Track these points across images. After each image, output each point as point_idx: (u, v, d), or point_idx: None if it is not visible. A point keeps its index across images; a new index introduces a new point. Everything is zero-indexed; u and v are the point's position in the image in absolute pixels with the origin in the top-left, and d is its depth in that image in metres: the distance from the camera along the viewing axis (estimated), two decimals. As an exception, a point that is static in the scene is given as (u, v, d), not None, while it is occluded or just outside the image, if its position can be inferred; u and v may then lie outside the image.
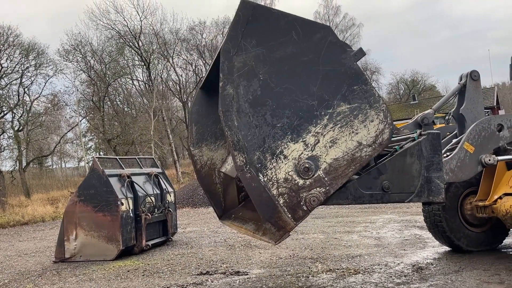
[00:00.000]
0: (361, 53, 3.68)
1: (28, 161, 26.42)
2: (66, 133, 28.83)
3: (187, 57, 34.66)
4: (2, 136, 24.54)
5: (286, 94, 3.34)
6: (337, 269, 5.43)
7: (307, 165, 3.32)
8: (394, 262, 5.59)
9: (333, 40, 3.46)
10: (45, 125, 27.27)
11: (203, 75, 35.97)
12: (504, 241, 6.03)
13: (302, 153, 3.33)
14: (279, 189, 3.29)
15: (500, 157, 4.85)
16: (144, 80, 31.58)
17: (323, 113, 3.36)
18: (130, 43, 28.95)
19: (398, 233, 7.82)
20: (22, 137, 25.79)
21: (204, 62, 35.69)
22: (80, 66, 27.80)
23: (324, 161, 3.35)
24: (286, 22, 3.38)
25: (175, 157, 28.74)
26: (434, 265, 5.29)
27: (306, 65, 3.38)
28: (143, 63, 29.84)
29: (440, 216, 5.75)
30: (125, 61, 30.70)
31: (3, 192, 22.00)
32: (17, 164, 25.56)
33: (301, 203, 3.33)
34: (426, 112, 5.13)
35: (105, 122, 27.23)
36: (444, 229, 5.75)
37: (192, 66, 35.09)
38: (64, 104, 28.68)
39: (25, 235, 12.45)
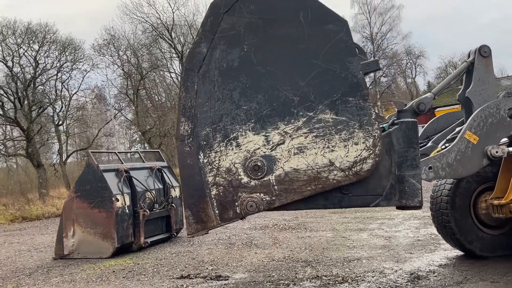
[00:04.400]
0: (374, 65, 3.08)
1: (69, 154, 27.29)
2: (103, 126, 29.45)
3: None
4: (44, 130, 25.35)
5: (267, 77, 2.83)
6: (325, 276, 4.84)
7: (259, 164, 2.80)
8: (392, 269, 4.92)
9: (345, 37, 2.93)
10: (83, 119, 28.00)
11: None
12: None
13: (259, 148, 2.82)
14: (217, 178, 2.81)
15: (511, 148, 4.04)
16: (179, 72, 31.65)
17: (301, 113, 2.83)
18: (164, 36, 29.02)
19: (413, 232, 7.05)
20: (62, 131, 26.61)
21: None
22: (114, 60, 28.27)
23: (281, 167, 2.82)
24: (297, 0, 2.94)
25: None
26: (436, 274, 4.58)
27: (302, 54, 2.87)
28: (177, 55, 29.88)
29: (448, 216, 5.00)
30: (160, 54, 30.89)
31: (43, 184, 22.75)
32: (59, 157, 26.41)
33: (236, 203, 2.83)
34: (423, 96, 4.37)
35: (140, 114, 27.53)
36: (453, 230, 4.99)
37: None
38: (102, 98, 29.32)
39: (51, 228, 12.63)
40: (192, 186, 2.79)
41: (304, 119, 2.82)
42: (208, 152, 2.79)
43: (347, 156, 2.83)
